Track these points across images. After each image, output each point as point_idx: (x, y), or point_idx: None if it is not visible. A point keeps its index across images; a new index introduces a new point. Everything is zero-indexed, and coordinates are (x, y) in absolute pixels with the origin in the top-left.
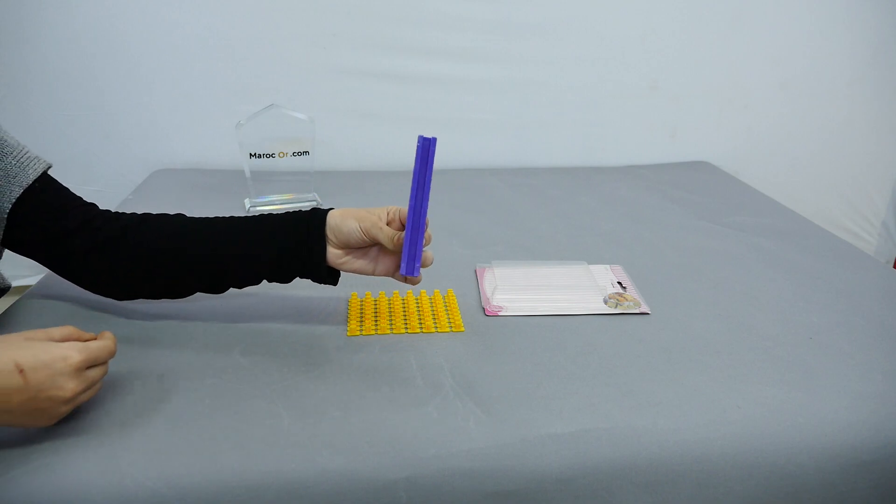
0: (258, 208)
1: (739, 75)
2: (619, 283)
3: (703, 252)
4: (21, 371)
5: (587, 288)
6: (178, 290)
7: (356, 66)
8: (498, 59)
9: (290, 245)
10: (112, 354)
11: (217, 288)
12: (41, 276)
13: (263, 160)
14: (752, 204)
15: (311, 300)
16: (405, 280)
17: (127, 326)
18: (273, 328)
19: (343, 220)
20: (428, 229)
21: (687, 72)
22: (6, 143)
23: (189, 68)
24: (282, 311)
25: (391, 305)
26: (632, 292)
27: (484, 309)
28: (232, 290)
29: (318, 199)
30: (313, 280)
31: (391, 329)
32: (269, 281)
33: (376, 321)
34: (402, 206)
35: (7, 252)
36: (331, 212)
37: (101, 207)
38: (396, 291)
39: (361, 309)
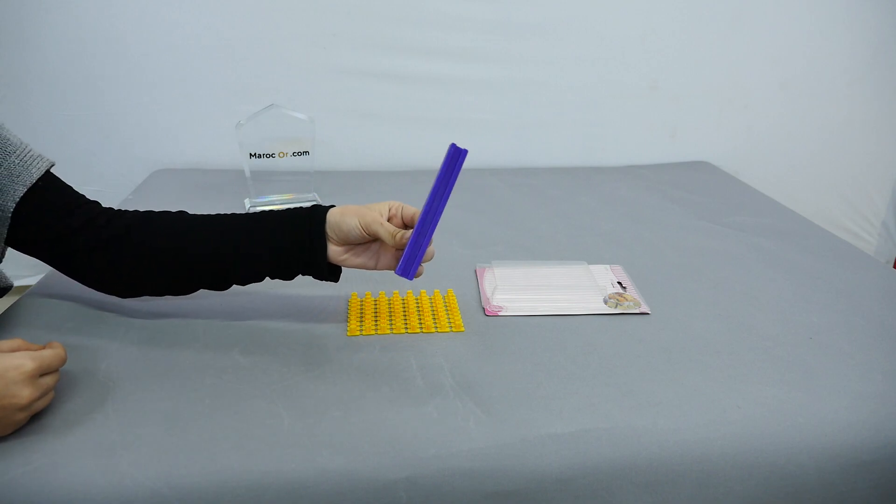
0: (258, 208)
1: (739, 75)
2: (619, 283)
3: (703, 252)
4: None
5: (587, 288)
6: (182, 288)
7: (356, 66)
8: (498, 59)
9: (290, 244)
10: (63, 362)
11: (220, 285)
12: (42, 275)
13: (263, 160)
14: (752, 204)
15: (311, 300)
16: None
17: (127, 327)
18: (273, 328)
19: (343, 218)
20: (431, 245)
21: (687, 72)
22: (9, 143)
23: (189, 68)
24: (282, 310)
25: (391, 305)
26: (632, 292)
27: (484, 309)
28: (233, 288)
29: (318, 200)
30: (315, 277)
31: (391, 329)
32: (272, 278)
33: (376, 321)
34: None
35: (9, 251)
36: (331, 209)
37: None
38: (396, 291)
39: (361, 309)
